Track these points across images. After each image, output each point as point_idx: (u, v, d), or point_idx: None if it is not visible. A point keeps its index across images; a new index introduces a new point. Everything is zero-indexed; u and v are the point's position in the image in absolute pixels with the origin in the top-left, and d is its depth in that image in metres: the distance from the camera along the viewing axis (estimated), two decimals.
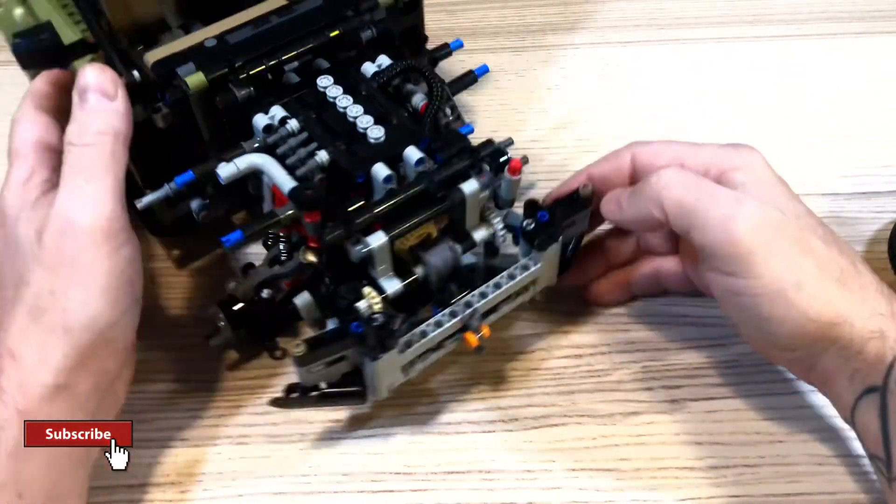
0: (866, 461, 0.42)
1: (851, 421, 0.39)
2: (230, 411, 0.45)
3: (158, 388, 0.46)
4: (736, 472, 0.42)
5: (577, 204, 0.43)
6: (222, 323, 0.44)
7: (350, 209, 0.40)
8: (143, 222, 0.49)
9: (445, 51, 0.53)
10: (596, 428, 0.44)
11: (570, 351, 0.47)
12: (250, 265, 0.45)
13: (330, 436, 0.44)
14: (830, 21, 0.68)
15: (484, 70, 0.54)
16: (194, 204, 0.45)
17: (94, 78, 0.38)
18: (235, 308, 0.44)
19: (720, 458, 0.43)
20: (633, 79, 0.64)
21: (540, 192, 0.53)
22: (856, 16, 0.68)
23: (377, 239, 0.39)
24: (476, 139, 0.43)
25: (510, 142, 0.46)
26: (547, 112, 0.61)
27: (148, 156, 0.45)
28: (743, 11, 0.69)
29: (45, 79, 0.41)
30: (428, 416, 0.45)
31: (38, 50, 0.43)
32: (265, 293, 0.43)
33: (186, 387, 0.46)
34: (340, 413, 0.45)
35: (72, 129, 0.37)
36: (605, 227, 0.48)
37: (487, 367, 0.46)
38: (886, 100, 0.61)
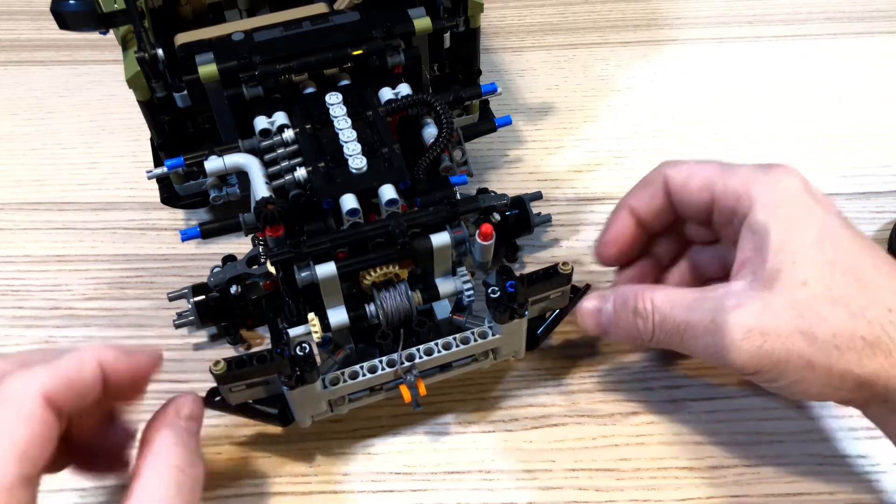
0: (866, 461, 0.42)
1: None
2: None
3: (158, 389, 0.46)
4: (736, 472, 0.42)
5: (553, 280, 0.41)
6: (189, 306, 0.45)
7: (306, 232, 0.39)
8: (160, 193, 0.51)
9: (475, 94, 0.49)
10: (596, 428, 0.44)
11: (570, 351, 0.47)
12: (231, 257, 0.46)
13: (330, 436, 0.44)
14: (830, 21, 0.68)
15: (506, 121, 0.53)
16: (212, 191, 0.46)
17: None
18: (205, 297, 0.45)
19: (720, 458, 0.43)
20: (633, 79, 0.64)
21: (544, 203, 0.53)
22: (856, 16, 0.68)
23: (325, 268, 0.38)
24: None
25: (504, 198, 0.45)
26: (547, 112, 0.61)
27: (166, 128, 0.48)
28: (743, 11, 0.69)
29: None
30: (428, 416, 0.45)
31: (78, 12, 0.44)
32: (234, 289, 0.44)
33: (186, 387, 0.46)
34: (341, 413, 0.45)
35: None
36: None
37: (487, 367, 0.46)
38: (886, 100, 0.61)
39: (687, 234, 0.44)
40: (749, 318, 0.34)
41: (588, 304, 0.40)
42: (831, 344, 0.33)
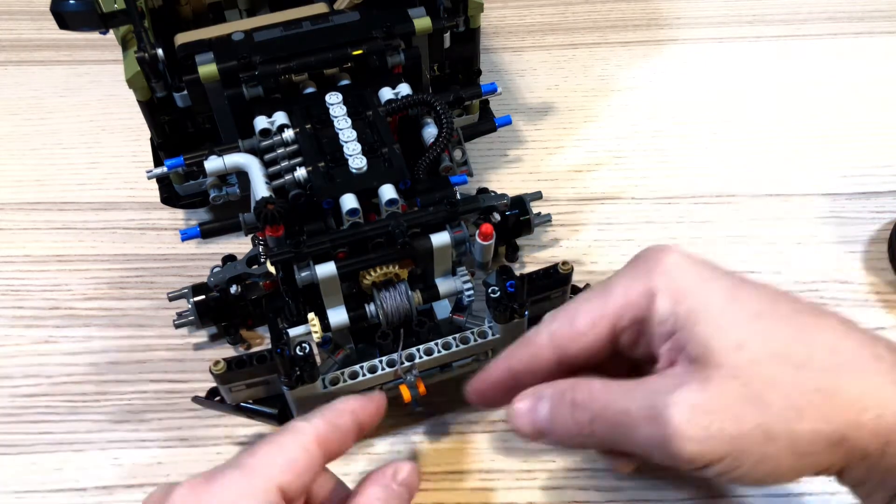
0: None
1: None
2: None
3: (158, 389, 0.46)
4: None
5: (553, 280, 0.41)
6: (189, 306, 0.45)
7: (306, 232, 0.39)
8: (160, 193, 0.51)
9: (475, 94, 0.49)
10: None
11: None
12: (231, 257, 0.46)
13: None
14: (830, 21, 0.68)
15: (506, 121, 0.53)
16: (212, 191, 0.46)
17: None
18: (205, 297, 0.45)
19: None
20: (633, 79, 0.64)
21: (544, 203, 0.53)
22: (856, 16, 0.68)
23: (325, 268, 0.38)
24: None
25: (504, 198, 0.45)
26: (547, 112, 0.61)
27: (166, 128, 0.48)
28: (743, 11, 0.69)
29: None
30: (428, 416, 0.45)
31: (78, 12, 0.44)
32: (234, 289, 0.44)
33: (186, 387, 0.46)
34: None
35: None
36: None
37: None
38: (886, 100, 0.61)
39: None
40: (690, 396, 0.30)
41: (520, 404, 0.34)
42: (787, 407, 0.29)
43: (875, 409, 0.29)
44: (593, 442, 0.33)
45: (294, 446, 0.32)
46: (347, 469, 0.43)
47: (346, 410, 0.35)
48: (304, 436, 0.33)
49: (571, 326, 0.34)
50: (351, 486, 0.41)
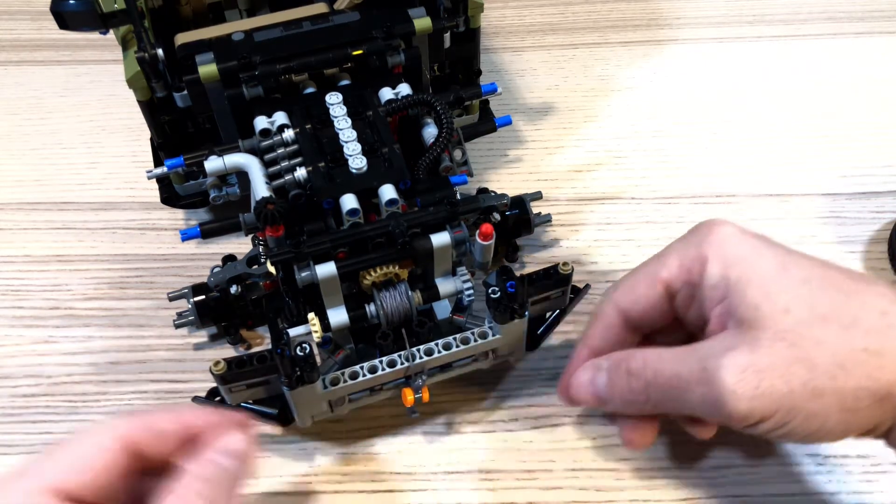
0: (866, 461, 0.42)
1: None
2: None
3: (158, 389, 0.46)
4: (736, 472, 0.42)
5: (554, 280, 0.41)
6: (189, 306, 0.45)
7: (306, 232, 0.39)
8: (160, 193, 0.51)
9: (475, 94, 0.49)
10: (596, 428, 0.44)
11: (570, 351, 0.47)
12: (231, 257, 0.46)
13: (330, 436, 0.44)
14: (830, 21, 0.68)
15: (506, 121, 0.53)
16: (212, 191, 0.46)
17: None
18: (205, 297, 0.45)
19: (720, 458, 0.43)
20: (633, 79, 0.64)
21: (544, 203, 0.53)
22: (856, 16, 0.68)
23: (325, 268, 0.38)
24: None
25: (504, 198, 0.45)
26: (547, 112, 0.61)
27: (166, 128, 0.48)
28: (743, 11, 0.69)
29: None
30: (428, 416, 0.45)
31: (78, 12, 0.44)
32: (234, 289, 0.44)
33: (186, 387, 0.46)
34: (341, 413, 0.45)
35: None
36: None
37: (487, 367, 0.46)
38: (886, 100, 0.61)
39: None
40: (740, 358, 0.32)
41: (582, 376, 0.38)
42: (834, 364, 0.31)
43: None
44: (650, 407, 0.36)
45: (87, 445, 0.30)
46: (347, 469, 0.43)
47: (174, 416, 0.32)
48: (101, 435, 0.30)
49: (632, 291, 0.37)
50: (349, 485, 0.41)
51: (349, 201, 0.40)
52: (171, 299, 0.46)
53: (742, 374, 0.32)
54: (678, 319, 0.38)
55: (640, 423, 0.39)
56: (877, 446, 0.42)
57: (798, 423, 0.32)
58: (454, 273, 0.42)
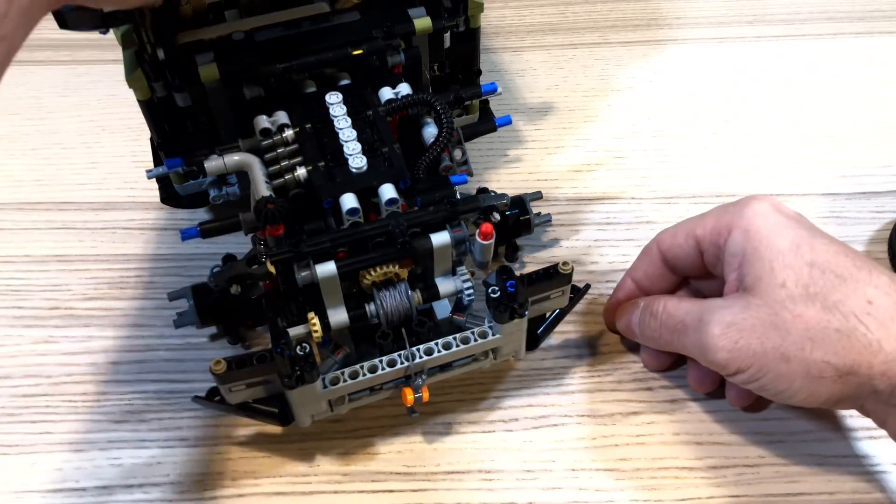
0: (866, 461, 0.42)
1: None
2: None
3: (158, 389, 0.46)
4: (736, 472, 0.42)
5: (554, 280, 0.41)
6: (188, 305, 0.45)
7: (306, 231, 0.39)
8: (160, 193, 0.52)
9: (475, 94, 0.49)
10: (596, 428, 0.44)
11: (570, 351, 0.47)
12: (231, 257, 0.46)
13: (330, 436, 0.44)
14: (830, 21, 0.68)
15: (506, 121, 0.53)
16: (212, 191, 0.46)
17: None
18: (205, 297, 0.45)
19: (720, 458, 0.43)
20: (633, 79, 0.64)
21: (544, 203, 0.53)
22: (856, 16, 0.68)
23: (325, 267, 0.38)
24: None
25: (504, 198, 0.45)
26: (547, 112, 0.61)
27: (166, 128, 0.48)
28: (743, 11, 0.69)
29: None
30: (428, 416, 0.45)
31: (77, 12, 0.44)
32: (234, 289, 0.44)
33: (186, 387, 0.46)
34: (341, 413, 0.45)
35: None
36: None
37: (487, 367, 0.46)
38: (886, 100, 0.61)
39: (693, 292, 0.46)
40: (728, 316, 0.37)
41: (631, 315, 0.44)
42: (804, 336, 0.36)
43: (889, 355, 0.35)
44: (662, 343, 0.42)
45: None
46: (347, 469, 0.43)
47: None
48: None
49: (673, 237, 0.43)
50: (349, 485, 0.41)
51: (349, 201, 0.40)
52: (171, 299, 0.46)
53: (726, 330, 0.37)
54: (710, 275, 0.43)
55: (657, 354, 0.45)
56: (877, 447, 0.42)
57: (768, 380, 0.37)
58: (454, 273, 0.42)
